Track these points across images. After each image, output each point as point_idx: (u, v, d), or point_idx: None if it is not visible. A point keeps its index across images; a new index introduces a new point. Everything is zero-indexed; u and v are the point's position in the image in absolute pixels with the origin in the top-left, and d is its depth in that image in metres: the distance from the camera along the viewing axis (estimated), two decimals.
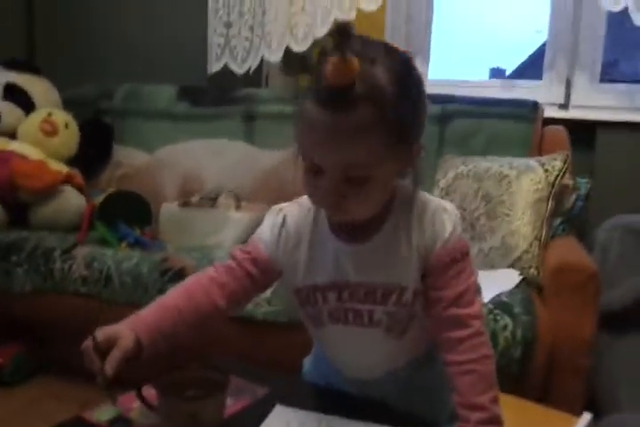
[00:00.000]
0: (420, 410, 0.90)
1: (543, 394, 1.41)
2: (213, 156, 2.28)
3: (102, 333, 0.79)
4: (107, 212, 1.98)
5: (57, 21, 2.64)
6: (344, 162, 0.76)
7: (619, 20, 2.45)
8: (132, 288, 1.73)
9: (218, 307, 0.88)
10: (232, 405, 0.90)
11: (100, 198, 2.03)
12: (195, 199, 2.10)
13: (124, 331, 0.80)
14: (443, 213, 0.86)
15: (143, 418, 0.85)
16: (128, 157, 2.37)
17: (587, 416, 0.88)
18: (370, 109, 0.74)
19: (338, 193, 0.78)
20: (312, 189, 0.81)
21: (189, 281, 0.90)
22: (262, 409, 0.89)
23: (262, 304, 1.60)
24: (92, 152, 2.35)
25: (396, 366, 0.95)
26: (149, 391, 0.83)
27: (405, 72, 0.78)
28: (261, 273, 0.90)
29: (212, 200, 2.09)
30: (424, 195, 0.87)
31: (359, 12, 2.22)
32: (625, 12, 2.04)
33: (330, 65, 0.72)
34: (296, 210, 0.91)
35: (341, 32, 0.72)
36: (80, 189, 2.13)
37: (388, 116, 0.75)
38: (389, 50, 0.78)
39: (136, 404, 0.85)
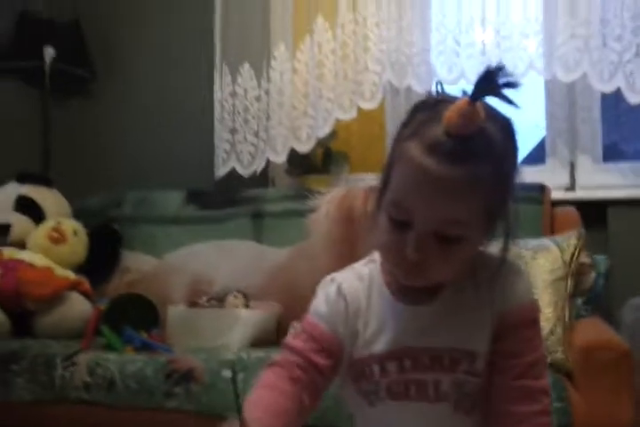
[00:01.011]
0: None
1: None
2: (222, 256, 2.26)
3: None
4: (113, 316, 1.93)
5: (72, 134, 2.75)
6: (443, 217, 0.70)
7: (614, 102, 2.53)
8: (136, 392, 1.64)
9: (307, 406, 0.79)
10: None
11: (106, 303, 1.99)
12: (202, 300, 2.06)
13: None
14: (521, 274, 0.80)
15: None
16: (137, 263, 2.36)
17: None
18: (486, 166, 0.69)
19: (424, 250, 0.71)
20: (393, 243, 0.74)
21: (275, 382, 0.79)
22: None
23: None
24: (101, 259, 2.35)
25: None
26: None
27: (513, 132, 0.75)
28: (329, 358, 0.80)
29: (220, 300, 2.05)
30: (492, 253, 0.80)
31: (359, 110, 2.30)
32: (619, 94, 2.08)
33: (455, 110, 0.67)
34: (350, 277, 0.84)
35: (489, 76, 0.67)
36: (87, 296, 2.10)
37: (499, 175, 0.71)
38: (493, 108, 0.73)
39: None
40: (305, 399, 0.78)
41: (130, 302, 1.99)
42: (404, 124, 0.74)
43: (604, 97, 2.27)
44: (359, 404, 0.84)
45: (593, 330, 1.51)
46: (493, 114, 0.71)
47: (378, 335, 0.80)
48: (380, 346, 0.79)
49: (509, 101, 0.70)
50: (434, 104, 0.73)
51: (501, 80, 0.68)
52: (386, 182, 0.75)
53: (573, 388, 1.39)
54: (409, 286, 0.78)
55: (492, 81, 0.68)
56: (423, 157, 0.69)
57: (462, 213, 0.70)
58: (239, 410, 0.84)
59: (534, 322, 0.80)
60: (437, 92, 0.77)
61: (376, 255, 0.85)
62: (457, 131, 0.67)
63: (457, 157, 0.68)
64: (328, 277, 0.86)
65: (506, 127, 0.73)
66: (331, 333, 0.81)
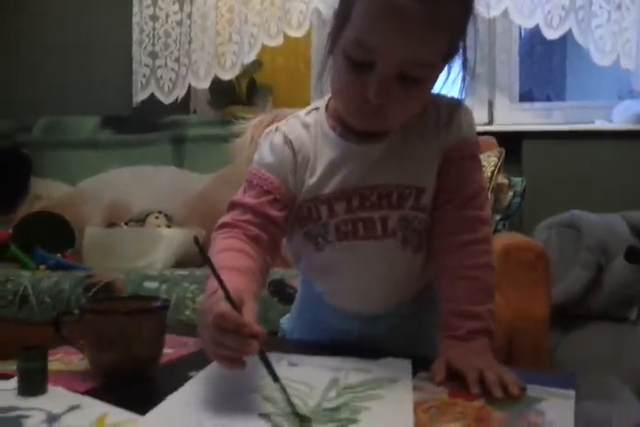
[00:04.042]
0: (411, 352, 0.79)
1: None
2: (141, 182, 2.18)
3: (226, 305, 0.61)
4: (23, 235, 1.83)
5: None
6: (407, 56, 0.67)
7: (529, 51, 2.63)
8: (51, 307, 1.56)
9: (268, 263, 0.77)
10: (172, 353, 0.78)
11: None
12: (121, 223, 1.98)
13: (246, 296, 0.64)
14: (466, 112, 0.80)
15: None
16: (48, 190, 2.24)
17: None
18: (457, 4, 0.67)
19: (386, 93, 0.68)
20: (352, 86, 0.70)
21: (230, 243, 0.74)
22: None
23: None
24: (8, 185, 2.21)
25: (404, 299, 0.84)
26: None
27: None
28: (283, 209, 0.78)
29: (140, 222, 1.98)
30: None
31: (286, 38, 2.26)
32: (534, 46, 2.15)
33: None
34: (295, 125, 0.81)
35: None
36: None
37: (465, 11, 0.69)
38: None
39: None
40: (267, 257, 0.77)
41: (41, 222, 1.89)
42: None
43: (520, 46, 2.35)
44: (306, 249, 0.83)
45: (510, 237, 1.57)
46: None
47: (325, 180, 0.79)
48: (327, 188, 0.78)
49: None
50: None
51: None
52: (343, 20, 0.71)
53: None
54: (357, 129, 0.77)
55: None
56: None
57: (428, 53, 0.69)
58: None
59: (474, 156, 0.81)
60: None
61: (318, 103, 0.84)
62: None
63: None
64: (271, 127, 0.83)
65: None
66: (281, 182, 0.79)
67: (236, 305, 0.60)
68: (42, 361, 0.63)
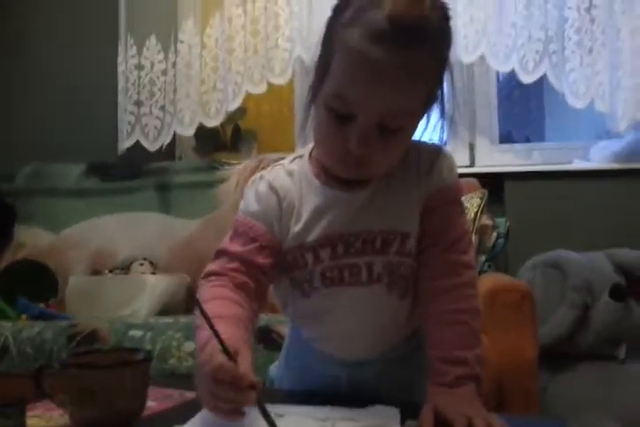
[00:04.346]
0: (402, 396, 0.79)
1: None
2: (126, 229, 2.17)
3: (222, 357, 0.61)
4: (5, 284, 1.81)
5: None
6: (387, 107, 0.69)
7: (507, 95, 2.69)
8: (33, 358, 1.52)
9: (256, 311, 0.77)
10: (155, 406, 0.77)
11: None
12: (105, 271, 1.96)
13: (241, 346, 0.64)
14: (446, 158, 0.81)
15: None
16: (32, 238, 2.21)
17: None
18: (432, 53, 0.68)
19: (368, 144, 0.70)
20: (334, 138, 0.72)
21: (218, 292, 0.75)
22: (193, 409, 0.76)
23: (186, 358, 1.44)
24: None
25: (391, 344, 0.84)
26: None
27: (449, 18, 0.72)
28: (270, 256, 0.78)
29: (125, 269, 1.96)
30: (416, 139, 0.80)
31: (269, 85, 2.31)
32: (512, 89, 2.22)
33: None
34: (279, 173, 0.82)
35: None
36: None
37: (440, 61, 0.70)
38: None
39: None
40: (255, 305, 0.77)
41: (24, 271, 1.87)
42: (339, 9, 0.72)
43: (498, 89, 2.42)
44: (293, 296, 0.83)
45: (495, 278, 1.57)
46: (434, 1, 0.70)
47: (310, 227, 0.79)
48: (312, 235, 0.79)
49: None
50: None
51: None
52: (324, 73, 0.72)
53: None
54: (340, 177, 0.78)
55: None
56: (366, 46, 0.66)
57: (407, 102, 0.70)
58: None
59: (456, 200, 0.82)
60: None
61: (302, 151, 0.85)
62: (402, 18, 0.65)
63: (402, 46, 0.66)
64: (256, 176, 0.84)
65: (445, 14, 0.72)
66: (267, 229, 0.79)
67: (231, 356, 0.60)
68: (19, 418, 0.62)
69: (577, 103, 2.08)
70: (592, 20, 2.09)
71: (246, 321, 0.72)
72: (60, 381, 0.68)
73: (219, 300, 0.73)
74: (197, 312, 0.73)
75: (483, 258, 1.76)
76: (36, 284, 1.85)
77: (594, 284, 1.72)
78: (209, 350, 0.63)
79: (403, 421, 0.70)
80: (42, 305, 1.78)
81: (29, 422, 0.65)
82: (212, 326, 0.62)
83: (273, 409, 0.72)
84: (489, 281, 1.50)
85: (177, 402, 0.79)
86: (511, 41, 2.18)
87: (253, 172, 2.12)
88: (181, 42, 2.38)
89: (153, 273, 1.92)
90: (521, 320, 1.39)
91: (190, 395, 0.81)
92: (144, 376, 0.69)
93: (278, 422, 0.69)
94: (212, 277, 0.77)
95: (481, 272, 1.74)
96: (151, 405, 0.75)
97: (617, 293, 1.70)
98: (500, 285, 1.45)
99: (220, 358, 0.60)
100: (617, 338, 1.70)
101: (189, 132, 2.37)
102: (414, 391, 0.79)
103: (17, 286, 1.80)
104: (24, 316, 1.70)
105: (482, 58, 2.20)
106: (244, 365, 0.60)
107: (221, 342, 0.61)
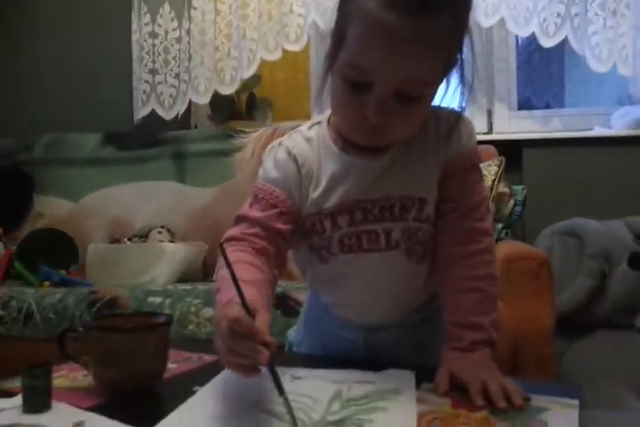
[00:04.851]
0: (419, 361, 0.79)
1: None
2: (143, 198, 2.18)
3: (240, 310, 0.61)
4: (27, 252, 1.84)
5: None
6: (404, 75, 0.67)
7: (526, 60, 2.64)
8: (55, 323, 1.56)
9: (276, 276, 0.77)
10: (175, 368, 0.79)
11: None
12: (124, 239, 1.99)
13: (259, 307, 0.63)
14: (466, 124, 0.80)
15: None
16: (51, 207, 2.24)
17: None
18: (450, 19, 0.66)
19: (385, 112, 0.69)
20: (351, 106, 0.71)
21: (238, 256, 0.74)
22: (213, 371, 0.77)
23: (204, 324, 1.47)
24: (11, 204, 2.22)
25: (409, 309, 0.85)
26: None
27: None
28: (289, 222, 0.78)
29: (143, 238, 1.98)
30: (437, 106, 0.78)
31: (284, 51, 2.28)
32: (531, 54, 2.17)
33: None
34: (298, 139, 0.82)
35: None
36: None
37: (459, 27, 0.69)
38: None
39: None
40: (275, 270, 0.77)
41: (45, 239, 1.90)
42: None
43: (517, 54, 2.36)
44: (311, 262, 0.83)
45: (513, 246, 1.57)
46: None
47: (328, 193, 0.79)
48: (330, 202, 0.79)
49: None
50: None
51: None
52: (339, 41, 0.71)
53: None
54: (358, 144, 0.78)
55: None
56: (381, 13, 0.65)
57: (425, 70, 0.69)
58: None
59: (475, 167, 0.81)
60: None
61: (320, 117, 0.84)
62: None
63: (417, 13, 0.64)
64: (274, 142, 0.84)
65: None
66: (286, 195, 0.79)
67: (250, 312, 0.60)
68: (46, 379, 0.64)
69: (599, 67, 2.03)
70: None
71: (266, 285, 0.73)
72: (83, 344, 0.70)
73: (239, 264, 0.72)
74: (216, 277, 0.74)
75: (500, 226, 1.75)
76: (56, 251, 1.87)
77: (612, 252, 1.71)
78: (228, 305, 0.63)
79: (418, 384, 0.71)
80: (63, 272, 1.81)
81: (55, 382, 0.66)
82: (235, 282, 0.62)
83: (292, 372, 0.74)
84: (506, 249, 1.49)
85: (196, 365, 0.81)
86: (532, 3, 2.13)
87: (269, 140, 2.12)
88: (195, 8, 2.35)
89: (171, 241, 1.94)
90: (538, 288, 1.39)
91: (209, 358, 0.82)
92: (165, 339, 0.71)
93: (296, 384, 0.70)
94: (233, 242, 0.78)
95: (498, 240, 1.74)
96: (171, 367, 0.76)
97: (635, 261, 1.69)
98: (518, 252, 1.44)
99: (238, 310, 0.60)
100: (634, 307, 1.69)
101: (204, 100, 2.36)
102: (430, 356, 0.79)
103: (38, 253, 1.83)
104: (46, 283, 1.73)
105: (501, 21, 2.15)
106: (261, 323, 0.60)
107: (242, 295, 0.61)
